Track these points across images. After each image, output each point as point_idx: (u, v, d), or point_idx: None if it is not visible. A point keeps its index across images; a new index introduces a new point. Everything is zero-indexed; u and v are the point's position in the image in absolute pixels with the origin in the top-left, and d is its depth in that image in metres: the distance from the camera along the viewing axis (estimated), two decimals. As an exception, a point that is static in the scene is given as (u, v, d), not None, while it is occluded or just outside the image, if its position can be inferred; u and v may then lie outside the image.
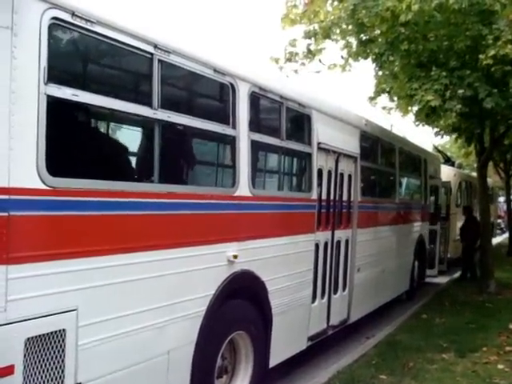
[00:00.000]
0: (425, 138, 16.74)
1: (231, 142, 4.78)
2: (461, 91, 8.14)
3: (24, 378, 2.92)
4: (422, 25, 8.38)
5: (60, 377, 3.11)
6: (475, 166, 13.82)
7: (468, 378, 6.01)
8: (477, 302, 10.40)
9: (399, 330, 8.24)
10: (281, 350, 5.61)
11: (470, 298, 10.78)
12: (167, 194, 3.95)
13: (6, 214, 2.81)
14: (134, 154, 4.08)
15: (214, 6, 36.18)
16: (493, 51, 7.50)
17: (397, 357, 6.74)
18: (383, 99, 12.58)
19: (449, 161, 16.78)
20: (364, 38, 9.58)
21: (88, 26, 3.32)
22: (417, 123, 11.62)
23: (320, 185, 6.49)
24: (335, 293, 7.11)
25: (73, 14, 3.21)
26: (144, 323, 3.71)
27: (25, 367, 2.92)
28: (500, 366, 6.42)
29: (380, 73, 10.80)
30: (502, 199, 30.79)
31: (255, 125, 5.11)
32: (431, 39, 8.46)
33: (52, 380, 3.07)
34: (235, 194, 4.76)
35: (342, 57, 11.28)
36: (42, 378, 3.01)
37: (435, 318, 9.02)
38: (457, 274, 13.88)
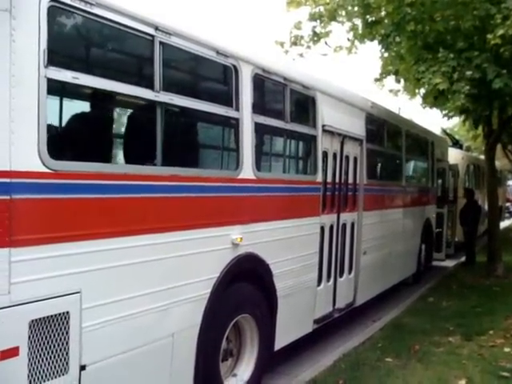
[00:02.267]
0: (433, 120, 16.61)
1: (235, 124, 4.75)
2: (469, 73, 8.04)
3: (29, 360, 2.94)
4: (429, 5, 8.28)
5: (64, 359, 3.13)
6: (483, 148, 13.71)
7: (474, 361, 6.01)
8: (484, 285, 10.38)
9: (406, 313, 8.25)
10: (286, 333, 5.62)
11: (478, 281, 10.76)
12: (170, 176, 3.93)
13: (8, 197, 2.81)
14: (136, 137, 4.06)
15: (220, -10, 35.88)
16: (501, 31, 7.39)
17: (403, 340, 6.75)
18: (390, 81, 12.50)
19: (457, 143, 16.66)
20: (370, 19, 9.49)
21: (87, 7, 3.28)
22: (424, 106, 11.54)
23: (325, 167, 6.46)
24: (341, 276, 7.11)
25: (72, -4, 3.17)
26: (148, 306, 3.72)
27: (29, 349, 2.93)
28: (506, 349, 6.41)
29: (386, 54, 10.70)
30: (510, 182, 30.66)
31: (259, 107, 5.07)
32: (438, 20, 8.35)
33: (57, 362, 3.09)
34: (239, 177, 4.74)
35: (348, 39, 11.19)
36: (46, 359, 3.03)
37: (442, 301, 9.02)
38: (464, 258, 13.83)
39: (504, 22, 7.45)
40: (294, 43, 11.54)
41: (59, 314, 3.09)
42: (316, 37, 11.35)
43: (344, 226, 7.10)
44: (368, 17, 9.57)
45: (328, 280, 6.70)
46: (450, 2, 8.22)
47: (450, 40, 8.85)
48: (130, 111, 4.22)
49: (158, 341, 3.85)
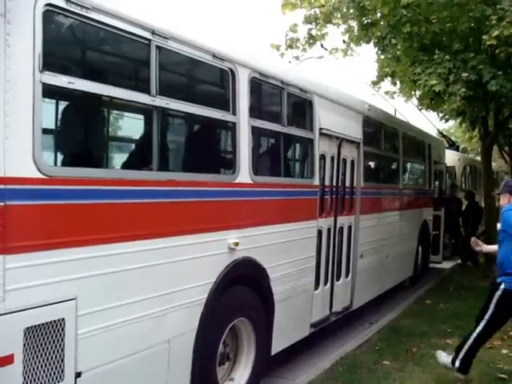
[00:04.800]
0: (429, 122, 16.63)
1: (231, 128, 4.73)
2: (465, 75, 8.04)
3: (24, 368, 2.91)
4: (425, 7, 8.29)
5: (60, 366, 3.11)
6: (479, 150, 13.72)
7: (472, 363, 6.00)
8: (481, 287, 10.30)
9: (403, 316, 8.24)
10: (283, 336, 5.60)
11: (474, 283, 10.73)
12: (166, 181, 3.91)
13: (2, 203, 2.78)
14: (132, 142, 4.05)
15: (216, -8, 35.87)
16: (497, 32, 7.40)
17: (400, 342, 6.75)
18: (386, 84, 12.52)
19: (453, 145, 16.66)
20: (365, 21, 9.49)
21: (83, 12, 3.25)
22: (420, 108, 11.54)
23: (322, 171, 6.44)
24: (338, 279, 7.08)
25: (67, 0, 3.15)
26: (144, 312, 3.70)
27: (24, 356, 2.91)
28: (504, 351, 6.42)
29: (382, 56, 10.71)
30: (507, 183, 30.58)
31: (256, 111, 5.06)
32: (434, 21, 8.36)
33: (52, 369, 3.07)
34: (236, 181, 4.72)
35: (344, 41, 11.20)
36: (41, 367, 3.01)
37: (439, 303, 9.02)
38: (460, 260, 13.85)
39: (499, 23, 7.46)
40: (290, 46, 11.54)
41: (54, 321, 3.06)
42: (312, 39, 11.37)
43: (341, 229, 7.08)
44: (363, 19, 9.58)
45: (325, 283, 6.68)
46: (445, 3, 8.24)
47: (445, 42, 8.86)
48: (126, 116, 4.20)
49: (154, 347, 3.83)
